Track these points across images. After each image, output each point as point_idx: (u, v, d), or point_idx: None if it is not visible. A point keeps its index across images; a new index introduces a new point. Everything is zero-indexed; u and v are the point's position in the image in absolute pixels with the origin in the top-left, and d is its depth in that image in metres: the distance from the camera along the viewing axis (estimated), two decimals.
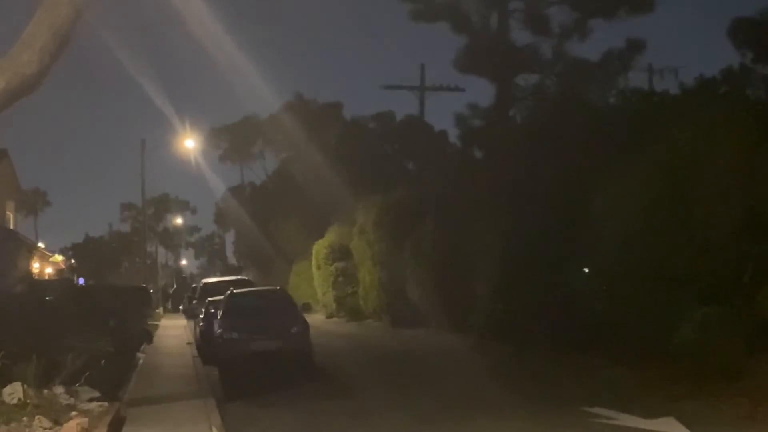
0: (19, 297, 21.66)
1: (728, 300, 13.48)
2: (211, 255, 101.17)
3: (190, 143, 51.36)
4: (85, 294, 26.35)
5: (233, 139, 68.88)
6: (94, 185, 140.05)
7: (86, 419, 11.00)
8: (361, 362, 20.32)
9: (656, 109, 18.33)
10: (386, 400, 13.94)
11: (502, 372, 16.04)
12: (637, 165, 15.11)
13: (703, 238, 13.91)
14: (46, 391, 12.32)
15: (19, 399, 11.59)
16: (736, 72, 23.31)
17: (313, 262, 37.89)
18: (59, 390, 12.61)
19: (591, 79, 29.28)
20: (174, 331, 33.64)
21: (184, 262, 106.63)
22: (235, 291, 20.96)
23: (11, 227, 40.92)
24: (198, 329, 24.06)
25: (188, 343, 26.44)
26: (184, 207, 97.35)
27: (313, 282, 38.56)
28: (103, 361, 14.59)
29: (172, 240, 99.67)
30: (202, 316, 23.12)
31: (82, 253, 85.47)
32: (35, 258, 42.21)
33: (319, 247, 37.11)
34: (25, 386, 11.92)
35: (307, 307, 22.97)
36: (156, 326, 34.87)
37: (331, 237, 36.35)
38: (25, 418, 10.88)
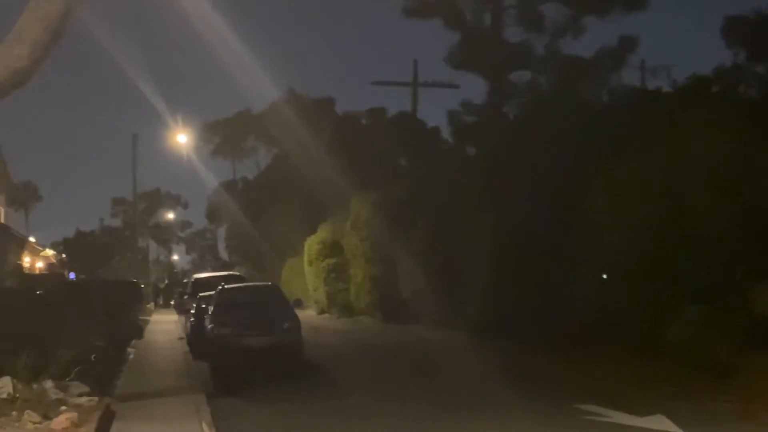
0: (10, 291, 21.62)
1: (720, 298, 13.50)
2: (203, 250, 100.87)
3: (182, 138, 51.21)
4: (76, 289, 26.30)
5: (225, 134, 68.76)
6: (85, 179, 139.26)
7: (76, 414, 10.96)
8: (352, 358, 20.30)
9: (649, 107, 18.32)
10: (377, 396, 13.93)
11: (493, 369, 16.01)
12: (630, 163, 15.13)
13: (696, 237, 13.92)
14: (35, 386, 12.28)
15: (9, 393, 11.57)
16: (728, 70, 23.29)
17: (305, 258, 37.84)
18: (49, 384, 12.56)
19: (584, 77, 29.29)
20: (165, 326, 33.55)
21: (175, 257, 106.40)
22: (226, 286, 20.92)
23: (2, 221, 40.76)
24: (189, 324, 24.01)
25: (179, 338, 26.37)
26: (175, 202, 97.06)
27: (305, 278, 38.51)
28: (93, 356, 14.56)
29: (163, 235, 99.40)
30: (193, 311, 23.08)
31: (73, 247, 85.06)
32: (26, 252, 42.13)
33: (312, 243, 37.06)
34: (15, 381, 11.90)
35: (299, 303, 22.95)
36: (147, 321, 34.76)
37: (323, 233, 36.31)
38: (14, 413, 10.85)
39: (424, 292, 24.99)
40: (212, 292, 20.86)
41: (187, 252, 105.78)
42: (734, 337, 12.79)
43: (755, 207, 13.59)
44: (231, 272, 35.88)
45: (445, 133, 38.32)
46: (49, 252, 56.90)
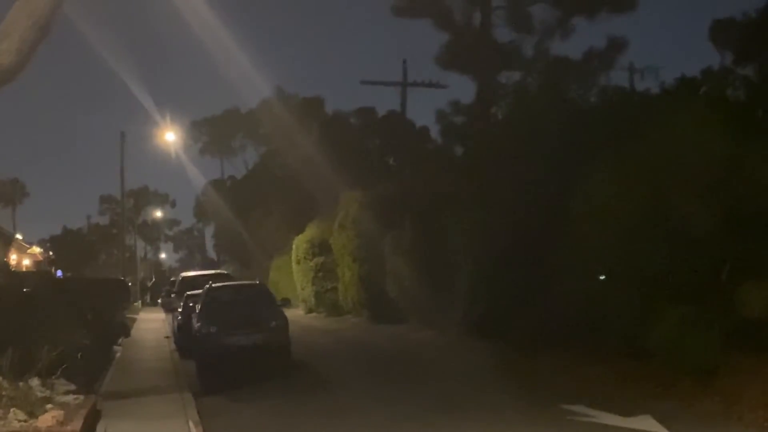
0: None
1: (705, 299, 13.55)
2: (191, 248, 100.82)
3: (170, 136, 50.92)
4: (63, 286, 26.15)
5: (214, 132, 68.72)
6: (73, 177, 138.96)
7: (62, 412, 10.92)
8: (339, 358, 20.32)
9: (636, 108, 18.38)
10: (364, 396, 13.95)
11: (480, 369, 16.06)
12: (617, 163, 15.16)
13: (681, 237, 13.96)
14: (21, 384, 12.21)
15: None
16: (716, 72, 23.40)
17: (293, 257, 37.80)
18: (35, 382, 12.49)
19: (572, 78, 29.35)
20: (152, 324, 33.52)
21: (163, 255, 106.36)
22: (214, 285, 20.88)
23: None
24: (176, 323, 23.98)
25: (166, 337, 26.36)
26: (163, 200, 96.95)
27: (293, 277, 38.47)
28: (79, 354, 14.48)
29: (151, 233, 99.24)
30: (180, 309, 23.06)
31: (61, 245, 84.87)
32: (13, 249, 41.92)
33: (299, 242, 37.02)
34: (0, 378, 11.82)
35: (287, 302, 22.93)
36: (134, 319, 34.74)
37: (311, 232, 36.27)
38: None
39: (411, 292, 24.99)
40: (199, 291, 20.82)
41: (175, 250, 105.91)
42: (720, 337, 12.83)
43: (740, 208, 13.64)
44: (218, 271, 35.88)
45: (434, 132, 38.41)
46: (36, 249, 56.70)
